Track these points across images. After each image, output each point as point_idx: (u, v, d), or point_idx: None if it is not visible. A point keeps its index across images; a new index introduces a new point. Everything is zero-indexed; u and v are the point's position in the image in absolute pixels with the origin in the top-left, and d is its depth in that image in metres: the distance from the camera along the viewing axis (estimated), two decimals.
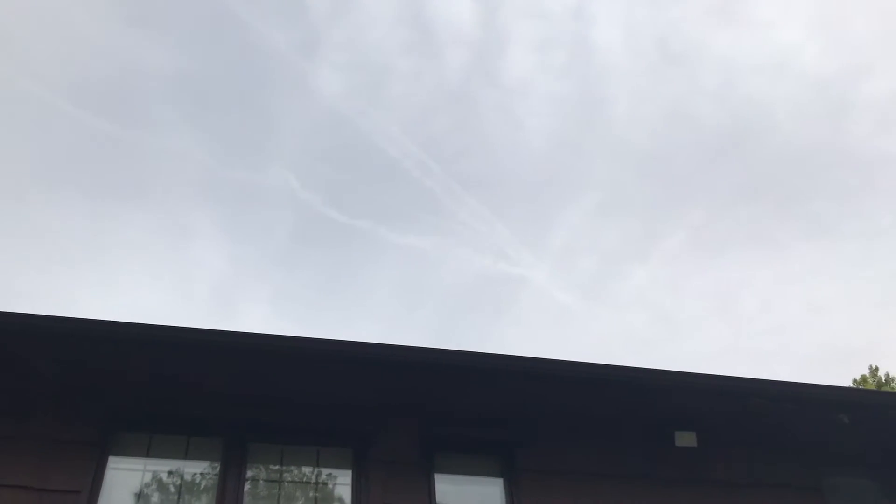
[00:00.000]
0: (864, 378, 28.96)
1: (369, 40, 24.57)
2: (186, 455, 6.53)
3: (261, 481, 6.60)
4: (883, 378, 28.73)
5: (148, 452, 6.47)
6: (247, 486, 6.48)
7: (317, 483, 6.71)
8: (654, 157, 28.09)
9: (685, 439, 7.34)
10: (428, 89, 25.84)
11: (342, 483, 6.68)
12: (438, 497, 6.64)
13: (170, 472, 6.43)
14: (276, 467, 6.69)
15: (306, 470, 6.76)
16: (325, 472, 6.76)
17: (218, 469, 6.47)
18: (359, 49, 24.66)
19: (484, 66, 25.69)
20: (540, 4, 24.89)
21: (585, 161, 27.61)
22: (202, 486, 6.44)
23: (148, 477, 6.38)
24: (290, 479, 6.69)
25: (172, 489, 6.37)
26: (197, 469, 6.50)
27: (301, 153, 25.57)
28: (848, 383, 28.01)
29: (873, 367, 29.18)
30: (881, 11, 24.80)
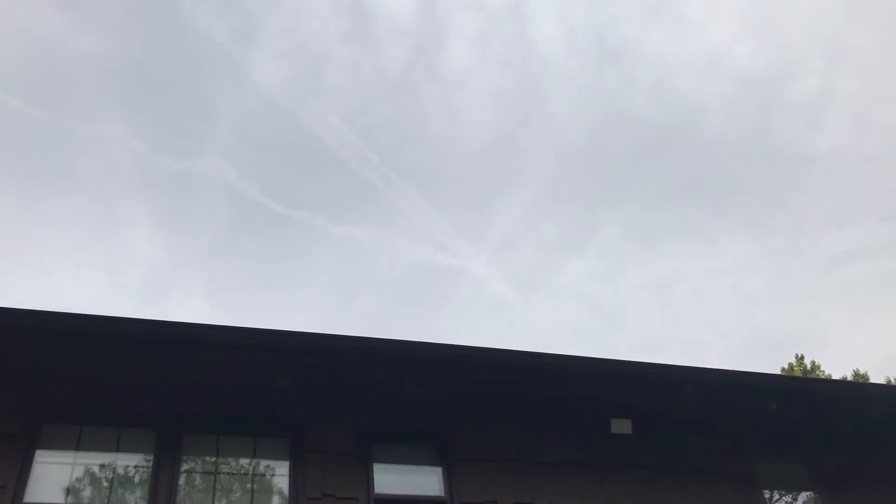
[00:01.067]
0: (791, 367, 29.88)
1: (307, 29, 24.35)
2: (118, 448, 6.37)
3: (196, 473, 6.49)
4: (809, 366, 29.67)
5: (78, 445, 6.29)
6: (182, 479, 6.36)
7: (254, 474, 6.62)
8: (591, 151, 28.52)
9: (621, 426, 7.47)
10: (367, 79, 25.65)
11: (280, 474, 6.61)
12: (377, 487, 6.62)
13: (101, 466, 6.27)
14: (212, 459, 6.58)
15: (243, 461, 6.66)
16: (263, 463, 6.67)
17: (151, 462, 6.33)
18: (296, 37, 24.37)
19: (423, 57, 25.65)
20: None
21: (523, 154, 27.84)
22: (135, 480, 6.29)
23: (78, 471, 6.21)
24: (226, 470, 6.59)
25: (104, 483, 6.22)
26: (130, 462, 6.34)
27: (237, 142, 25.15)
28: (777, 371, 28.87)
29: (799, 355, 30.13)
30: (809, 12, 25.58)
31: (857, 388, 11.12)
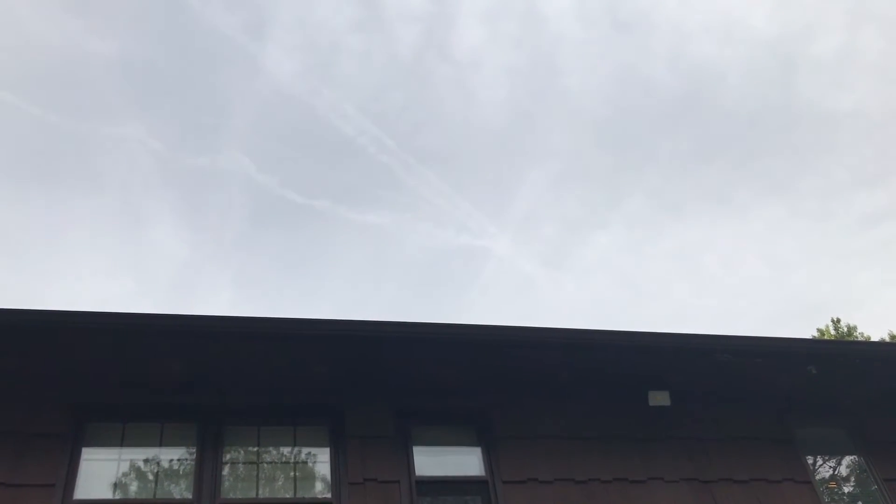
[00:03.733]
0: (827, 330, 29.55)
1: (318, 19, 24.46)
2: (161, 442, 6.46)
3: (239, 464, 6.57)
4: (845, 329, 29.33)
5: (122, 441, 6.40)
6: (225, 470, 6.45)
7: (295, 462, 6.69)
8: (610, 123, 28.23)
9: (658, 398, 7.44)
10: (380, 66, 25.60)
11: (321, 461, 6.67)
12: (418, 469, 6.66)
13: (146, 460, 6.37)
14: (254, 449, 6.66)
15: (284, 450, 6.73)
16: (304, 450, 6.74)
17: (195, 454, 6.42)
18: (308, 29, 24.44)
19: (435, 40, 25.54)
20: None
21: (542, 131, 27.64)
22: (180, 472, 6.38)
23: (124, 466, 6.31)
24: (268, 459, 6.66)
25: (150, 477, 6.32)
26: (173, 455, 6.44)
27: (255, 135, 25.25)
28: (812, 336, 28.57)
29: (835, 319, 29.77)
30: None
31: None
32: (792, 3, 26.00)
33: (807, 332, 30.08)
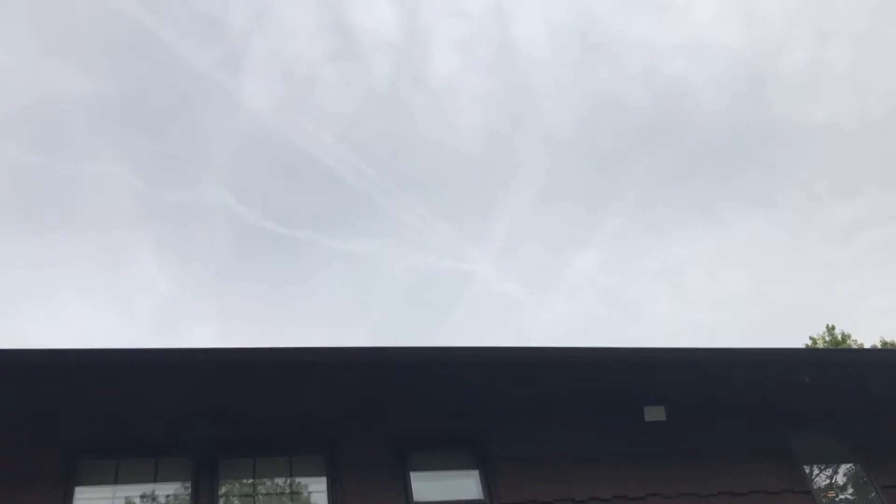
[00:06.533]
0: (822, 337, 29.62)
1: (292, 52, 24.80)
2: (156, 478, 6.41)
3: (235, 497, 6.51)
4: (839, 336, 29.41)
5: (116, 479, 6.34)
6: (221, 502, 6.39)
7: (292, 493, 6.64)
8: (587, 144, 28.58)
9: (654, 414, 7.43)
10: (356, 96, 26.04)
11: (317, 490, 6.62)
12: (416, 495, 6.62)
13: (141, 496, 6.31)
14: (249, 481, 6.60)
15: (279, 480, 6.68)
16: (299, 480, 6.69)
17: (190, 489, 6.36)
18: (283, 61, 24.85)
19: (410, 69, 26.01)
20: (458, 4, 25.40)
21: (519, 154, 28.03)
22: None
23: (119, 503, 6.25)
24: (264, 491, 6.61)
25: None
26: (168, 490, 6.38)
27: (234, 168, 25.57)
28: (804, 346, 28.64)
29: (830, 325, 29.86)
30: None
31: (889, 355, 11.02)
32: (760, 20, 26.43)
33: (799, 341, 30.15)
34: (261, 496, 6.56)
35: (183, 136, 24.57)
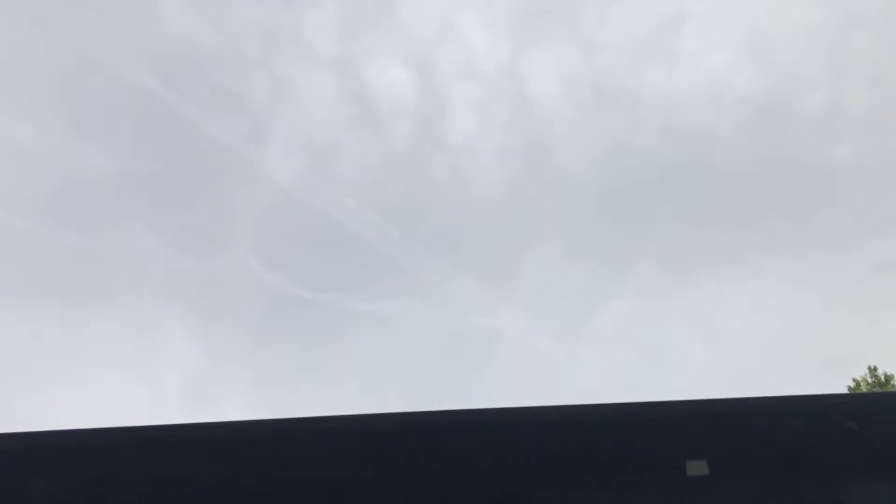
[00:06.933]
0: (864, 379, 28.87)
1: (314, 121, 25.78)
2: None
3: None
4: (882, 377, 28.65)
5: None
6: None
7: None
8: (609, 194, 28.63)
9: (696, 468, 7.20)
10: (377, 159, 26.60)
11: None
12: None
13: None
14: None
15: None
16: None
17: None
18: (305, 130, 25.80)
19: (428, 130, 26.58)
20: (472, 66, 26.33)
21: (541, 208, 28.20)
22: None
23: None
24: None
25: None
26: None
27: (260, 236, 25.98)
28: (844, 390, 27.93)
29: (871, 366, 29.12)
30: (802, 27, 25.71)
31: None
32: (773, 64, 26.61)
33: (838, 384, 29.41)
34: None
35: (209, 208, 25.11)
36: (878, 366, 29.00)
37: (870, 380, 28.78)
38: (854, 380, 28.92)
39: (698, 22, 26.07)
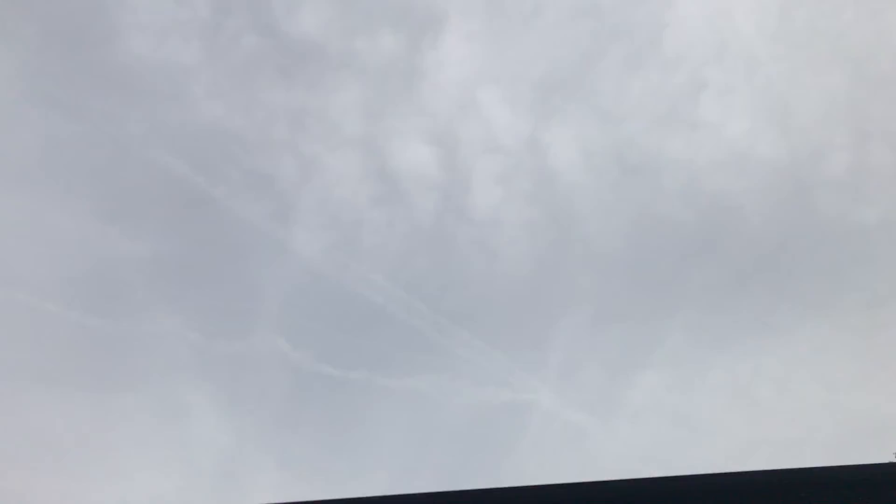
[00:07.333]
0: None
1: (339, 199, 26.37)
2: None
3: None
4: None
5: None
6: None
7: None
8: (635, 263, 28.64)
9: None
10: (403, 235, 27.04)
11: None
12: None
13: None
14: None
15: None
16: None
17: None
18: (330, 208, 26.38)
19: (453, 205, 27.06)
20: (494, 140, 26.92)
21: (568, 278, 28.31)
22: None
23: None
24: None
25: None
26: None
27: (287, 314, 26.26)
28: (891, 458, 27.06)
29: None
30: (822, 91, 26.01)
31: None
32: (796, 129, 26.84)
33: (884, 453, 28.50)
34: None
35: (237, 287, 25.50)
36: None
37: None
38: None
39: (717, 90, 26.49)
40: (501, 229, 27.85)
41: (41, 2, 24.14)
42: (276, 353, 27.11)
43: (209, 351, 25.58)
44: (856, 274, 30.55)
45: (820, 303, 30.82)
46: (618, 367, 32.76)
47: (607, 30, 26.96)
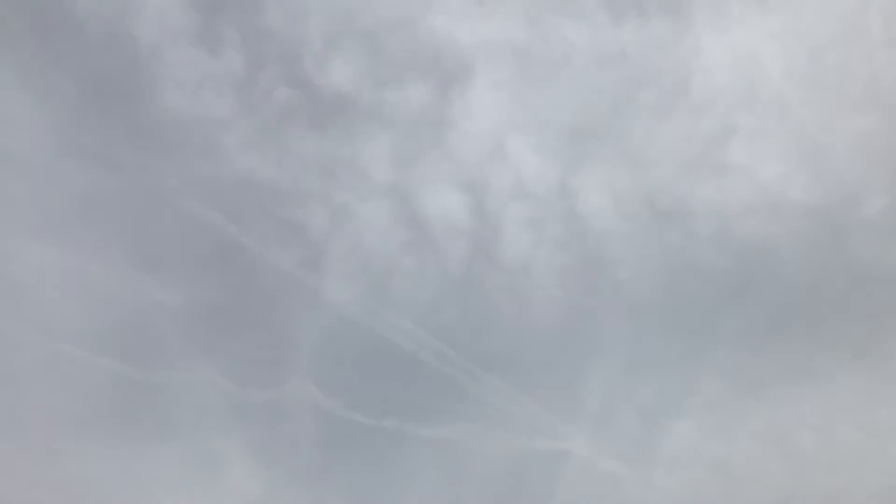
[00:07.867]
0: None
1: (370, 246, 26.88)
2: None
3: None
4: None
5: None
6: None
7: None
8: (669, 308, 28.53)
9: None
10: (433, 282, 27.40)
11: None
12: None
13: None
14: None
15: None
16: None
17: None
18: (361, 256, 26.85)
19: (483, 251, 27.49)
20: (524, 187, 27.38)
21: (601, 324, 28.38)
22: None
23: None
24: None
25: None
26: None
27: (319, 362, 26.58)
28: None
29: None
30: (853, 135, 26.08)
31: None
32: (829, 172, 26.89)
33: None
34: None
35: (269, 336, 25.83)
36: None
37: None
38: None
39: (747, 134, 26.70)
40: (532, 275, 28.03)
41: (80, 58, 24.92)
42: (308, 401, 27.16)
43: (241, 399, 25.76)
44: (894, 318, 30.11)
45: (859, 348, 30.41)
46: (653, 414, 32.25)
47: (635, 76, 27.43)
